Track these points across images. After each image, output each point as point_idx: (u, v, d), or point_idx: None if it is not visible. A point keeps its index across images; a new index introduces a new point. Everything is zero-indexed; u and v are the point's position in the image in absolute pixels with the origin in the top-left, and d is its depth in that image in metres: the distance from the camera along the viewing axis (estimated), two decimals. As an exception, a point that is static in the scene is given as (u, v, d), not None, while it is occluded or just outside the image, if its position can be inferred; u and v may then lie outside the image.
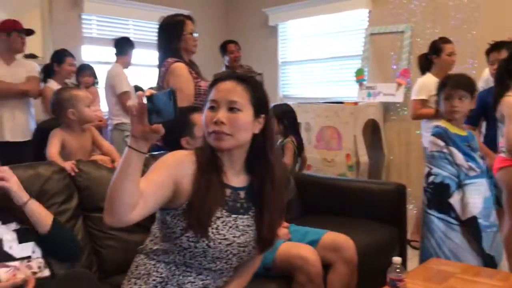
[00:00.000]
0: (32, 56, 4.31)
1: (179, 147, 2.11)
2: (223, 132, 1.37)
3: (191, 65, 2.74)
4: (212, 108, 1.41)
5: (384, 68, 4.72)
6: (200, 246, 1.40)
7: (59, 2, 4.80)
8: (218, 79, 1.45)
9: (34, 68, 3.60)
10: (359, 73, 4.76)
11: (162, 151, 2.36)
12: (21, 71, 3.46)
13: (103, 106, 4.22)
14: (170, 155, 1.44)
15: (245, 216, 1.48)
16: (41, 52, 4.66)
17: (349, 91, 4.91)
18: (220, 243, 1.41)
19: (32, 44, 4.22)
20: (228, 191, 1.46)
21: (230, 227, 1.44)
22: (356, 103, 4.48)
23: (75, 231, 1.92)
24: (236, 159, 1.46)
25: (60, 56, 3.75)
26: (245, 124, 1.40)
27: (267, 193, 1.46)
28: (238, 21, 6.13)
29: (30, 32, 3.55)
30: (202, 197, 1.37)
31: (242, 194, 1.49)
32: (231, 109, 1.39)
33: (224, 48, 4.70)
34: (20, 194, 1.61)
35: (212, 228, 1.40)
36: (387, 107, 4.67)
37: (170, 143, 2.18)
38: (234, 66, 4.67)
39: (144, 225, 1.97)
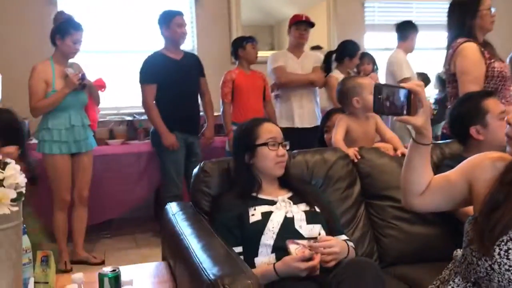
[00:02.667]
0: (317, 48, 4.61)
1: (467, 136, 1.92)
2: None
3: (485, 45, 2.47)
4: None
5: None
6: (482, 265, 1.17)
7: (344, -7, 5.01)
8: None
9: (319, 59, 3.82)
10: None
11: (448, 140, 2.19)
12: (308, 62, 3.73)
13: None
14: (476, 156, 1.31)
15: None
16: (326, 43, 4.95)
17: None
18: (508, 270, 1.14)
19: (318, 36, 4.52)
20: None
21: None
22: None
23: (357, 217, 1.96)
24: None
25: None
26: None
27: None
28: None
29: (311, 24, 3.72)
30: (492, 208, 1.17)
31: None
32: None
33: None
34: None
35: (501, 249, 1.14)
36: None
37: (458, 132, 2.00)
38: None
39: (428, 219, 1.91)
